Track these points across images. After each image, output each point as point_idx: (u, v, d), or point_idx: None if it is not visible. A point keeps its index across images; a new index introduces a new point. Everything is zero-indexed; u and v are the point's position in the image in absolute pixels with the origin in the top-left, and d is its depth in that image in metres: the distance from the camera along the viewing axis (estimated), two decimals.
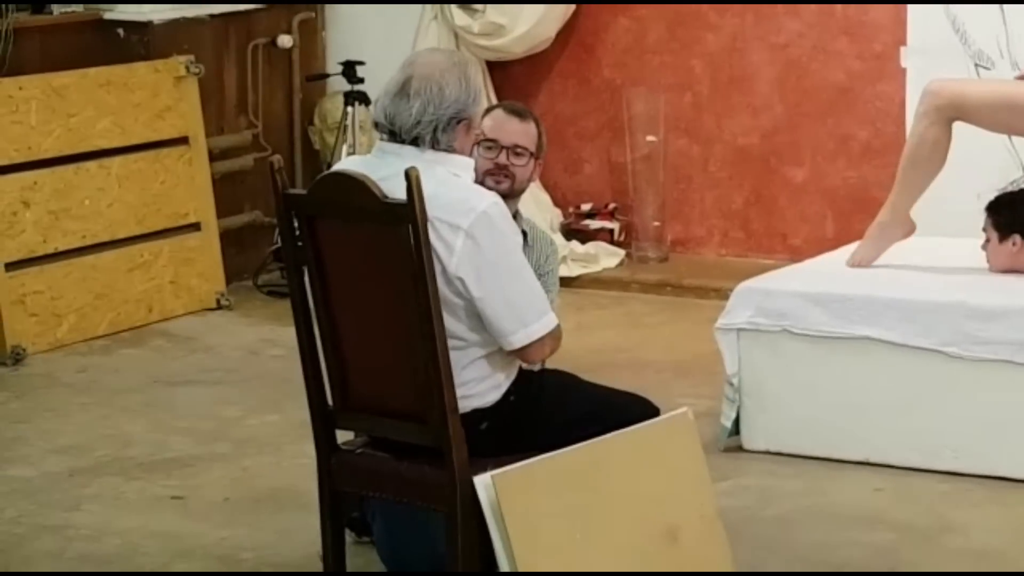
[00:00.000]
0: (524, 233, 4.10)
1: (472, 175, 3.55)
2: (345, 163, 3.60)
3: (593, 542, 3.43)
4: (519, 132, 4.21)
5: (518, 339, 3.46)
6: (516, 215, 4.15)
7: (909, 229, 4.95)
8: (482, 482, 3.36)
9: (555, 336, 3.53)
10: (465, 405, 3.47)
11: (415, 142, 3.47)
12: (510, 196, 4.14)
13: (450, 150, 3.50)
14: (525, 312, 3.45)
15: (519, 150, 4.20)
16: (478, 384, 3.50)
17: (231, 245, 6.87)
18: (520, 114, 4.25)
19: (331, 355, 3.55)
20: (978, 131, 5.68)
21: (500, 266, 3.42)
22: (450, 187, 3.44)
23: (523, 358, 3.55)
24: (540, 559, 3.36)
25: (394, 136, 3.48)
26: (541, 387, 3.62)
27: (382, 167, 3.43)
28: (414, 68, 3.50)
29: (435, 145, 3.48)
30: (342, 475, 3.60)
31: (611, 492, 3.50)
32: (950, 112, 4.73)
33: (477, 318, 3.45)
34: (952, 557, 4.14)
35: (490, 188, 3.93)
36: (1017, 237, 4.78)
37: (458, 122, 3.49)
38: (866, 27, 6.70)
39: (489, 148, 4.17)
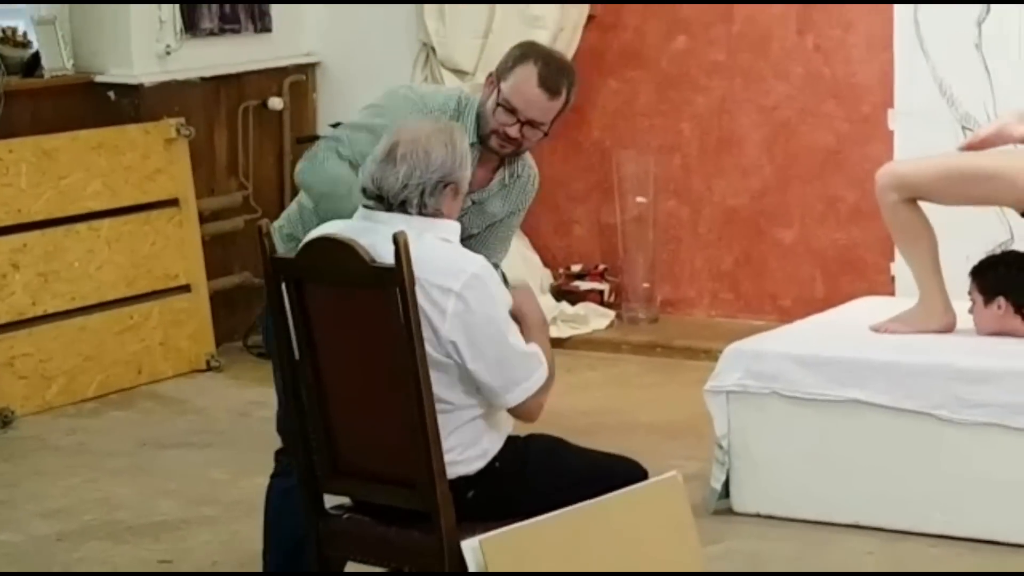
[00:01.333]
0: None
1: (455, 236, 3.54)
2: (329, 227, 3.57)
3: None
4: (544, 109, 3.86)
5: (514, 397, 3.47)
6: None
7: (948, 323, 4.86)
8: (470, 546, 3.34)
9: (547, 387, 3.55)
10: (451, 472, 3.46)
11: (403, 206, 3.48)
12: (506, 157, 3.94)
13: (437, 214, 3.51)
14: (517, 370, 3.46)
15: (536, 124, 3.88)
16: (464, 450, 3.49)
17: (221, 307, 6.87)
18: (553, 91, 3.84)
19: (318, 419, 3.54)
20: None
21: (491, 327, 3.42)
22: (440, 251, 3.45)
23: (520, 416, 3.54)
24: None
25: (381, 200, 3.49)
26: (527, 453, 3.61)
27: (368, 232, 3.44)
28: (400, 134, 3.51)
29: (423, 209, 3.49)
30: (330, 540, 3.59)
31: (600, 556, 3.48)
32: (907, 193, 4.74)
33: (467, 381, 3.45)
34: None
35: (493, 148, 3.90)
36: (1002, 300, 4.79)
37: (445, 186, 3.49)
38: (854, 89, 6.74)
39: (507, 113, 3.84)
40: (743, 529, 4.80)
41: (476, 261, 3.46)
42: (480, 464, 3.52)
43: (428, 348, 3.37)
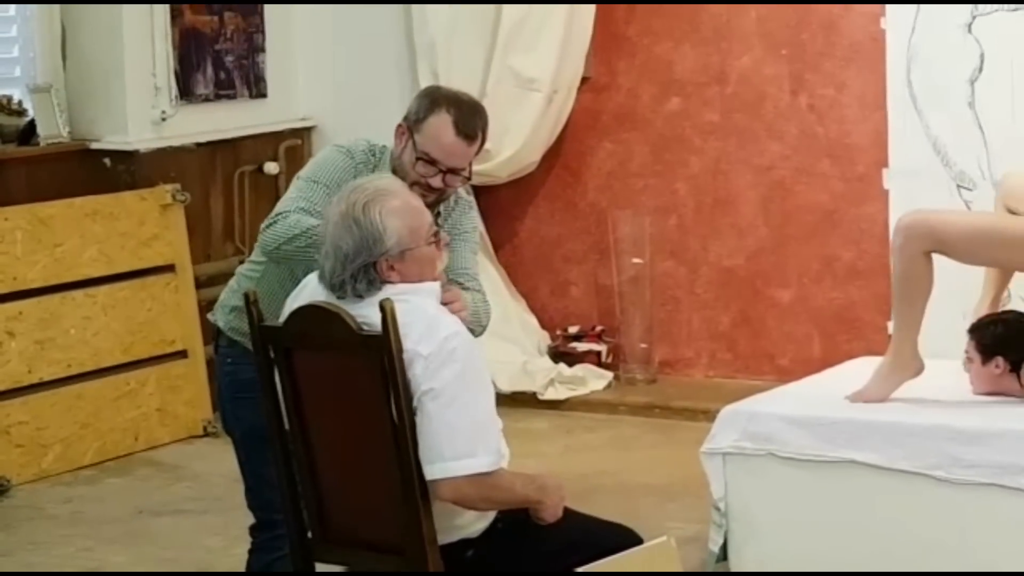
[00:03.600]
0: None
1: (430, 299, 3.46)
2: (313, 293, 3.55)
3: None
4: (464, 155, 3.81)
5: (429, 472, 3.33)
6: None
7: (917, 368, 4.82)
8: None
9: (478, 483, 3.35)
10: (450, 536, 3.44)
11: (352, 292, 3.41)
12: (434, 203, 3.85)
13: (387, 283, 3.40)
14: (447, 446, 3.32)
15: (457, 170, 3.83)
16: (465, 513, 3.47)
17: None
18: (471, 136, 3.80)
19: (309, 486, 3.53)
20: None
21: (447, 392, 3.34)
22: (413, 313, 3.38)
23: (436, 495, 3.36)
24: None
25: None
26: (527, 515, 3.59)
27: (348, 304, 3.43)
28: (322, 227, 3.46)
29: (371, 288, 3.39)
30: None
31: None
32: (927, 245, 4.71)
33: None
34: None
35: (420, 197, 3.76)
36: (1000, 359, 4.77)
37: (370, 267, 3.38)
38: (849, 149, 6.75)
39: (427, 164, 3.79)
40: None
41: (451, 326, 3.42)
42: (483, 525, 3.50)
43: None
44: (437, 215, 3.90)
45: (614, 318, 7.19)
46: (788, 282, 6.94)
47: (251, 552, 4.12)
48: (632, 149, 7.18)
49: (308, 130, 7.46)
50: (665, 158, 7.11)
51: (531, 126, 7.04)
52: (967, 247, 4.68)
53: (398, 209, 3.42)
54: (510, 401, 6.65)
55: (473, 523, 3.49)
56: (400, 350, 3.31)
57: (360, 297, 3.40)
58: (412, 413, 3.34)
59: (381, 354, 3.31)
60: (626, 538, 3.69)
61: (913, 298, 4.75)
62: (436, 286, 3.51)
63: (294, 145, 7.39)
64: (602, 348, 7.19)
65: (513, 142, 7.07)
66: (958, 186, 6.12)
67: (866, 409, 4.79)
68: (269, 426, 3.55)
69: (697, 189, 7.06)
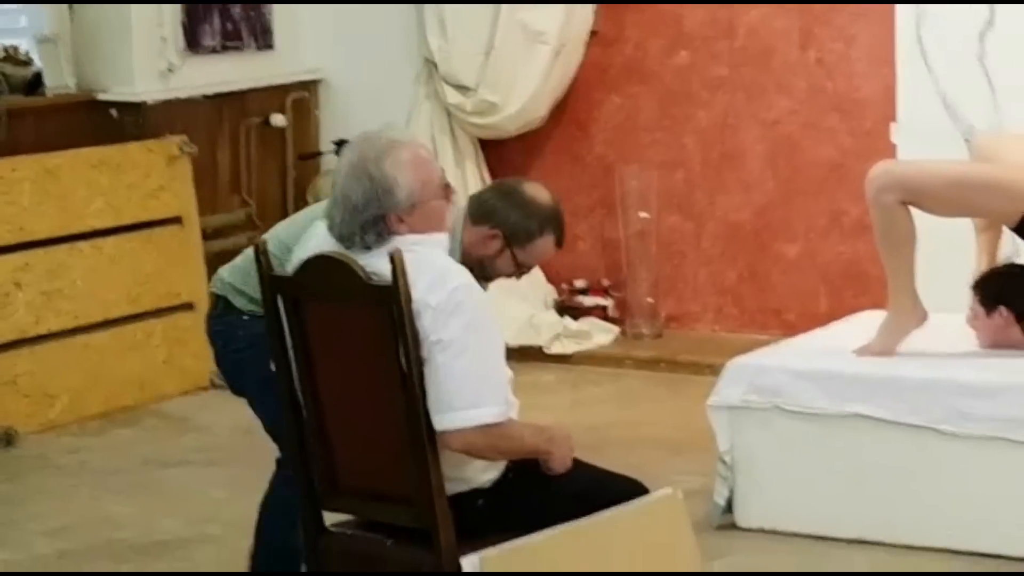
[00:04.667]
0: None
1: (439, 249, 3.46)
2: (321, 242, 3.56)
3: None
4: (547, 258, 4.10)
5: (438, 422, 3.34)
6: None
7: (921, 317, 4.83)
8: (470, 563, 3.33)
9: (487, 433, 3.35)
10: (461, 486, 3.45)
11: (360, 243, 3.42)
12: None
13: (395, 235, 3.39)
14: (456, 396, 3.32)
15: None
16: (475, 463, 3.47)
17: None
18: (563, 244, 4.05)
19: (317, 437, 3.53)
20: None
21: (456, 343, 3.33)
22: (422, 264, 3.37)
23: (445, 445, 3.36)
24: None
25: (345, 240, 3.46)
26: (537, 466, 3.59)
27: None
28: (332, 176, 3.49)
29: (380, 240, 3.39)
30: (329, 558, 3.58)
31: (599, 572, 3.47)
32: (899, 195, 4.69)
33: None
34: None
35: (487, 278, 3.95)
36: (1003, 310, 4.78)
37: (379, 220, 3.38)
38: (857, 104, 6.73)
39: (516, 267, 4.01)
40: (746, 544, 4.79)
41: (461, 275, 3.42)
42: (493, 476, 3.50)
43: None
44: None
45: (620, 272, 7.18)
46: (795, 237, 6.93)
47: (272, 483, 4.16)
48: (640, 103, 7.16)
49: (315, 83, 7.45)
50: (673, 112, 7.09)
51: (539, 80, 7.02)
52: (941, 195, 4.67)
53: (410, 162, 3.41)
54: (516, 355, 6.63)
55: (483, 473, 3.50)
56: (409, 300, 3.31)
57: (368, 248, 3.40)
58: (421, 363, 3.34)
59: (390, 304, 3.30)
60: (634, 490, 3.69)
61: (898, 248, 4.74)
62: (445, 237, 3.50)
63: (301, 98, 7.38)
64: (608, 302, 7.19)
65: (521, 96, 7.05)
66: (966, 140, 6.09)
67: (872, 363, 4.80)
68: (278, 377, 3.55)
69: (704, 143, 7.04)
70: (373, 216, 3.39)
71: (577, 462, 3.67)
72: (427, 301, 3.33)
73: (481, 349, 3.36)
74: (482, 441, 3.37)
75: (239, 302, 4.15)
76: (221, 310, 4.19)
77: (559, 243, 4.01)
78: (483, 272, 3.94)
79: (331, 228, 3.46)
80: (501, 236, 3.95)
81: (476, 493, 3.48)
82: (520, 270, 4.03)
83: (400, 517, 3.45)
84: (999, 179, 4.69)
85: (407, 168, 3.40)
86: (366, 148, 3.42)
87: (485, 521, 3.47)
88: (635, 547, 3.53)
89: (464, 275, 3.42)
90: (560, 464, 3.54)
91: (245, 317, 4.12)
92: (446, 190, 3.50)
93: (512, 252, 3.96)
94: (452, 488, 3.41)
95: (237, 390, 4.24)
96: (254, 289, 3.80)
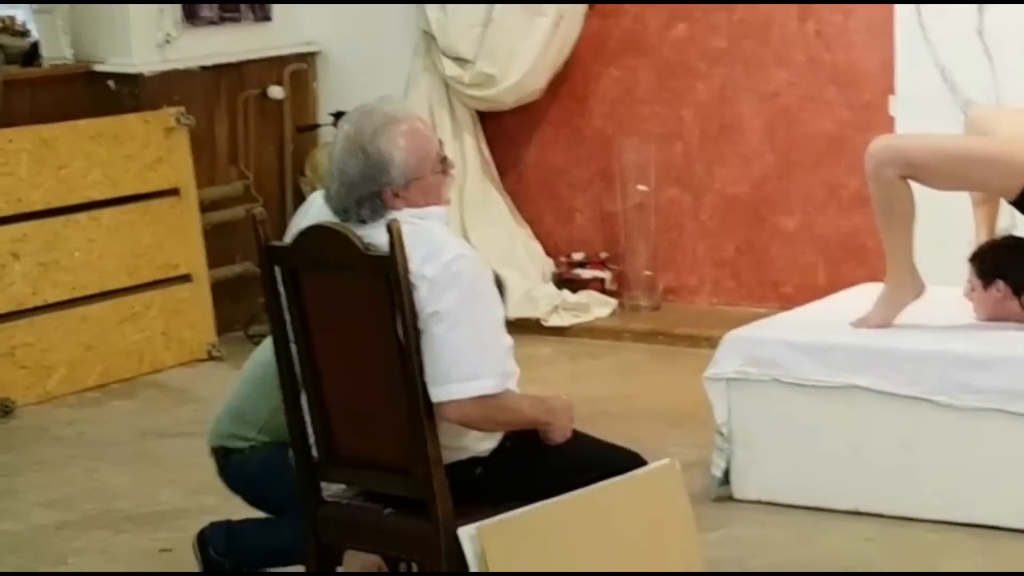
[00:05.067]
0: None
1: (438, 222, 3.46)
2: (319, 212, 3.55)
3: None
4: None
5: (435, 394, 3.33)
6: None
7: (918, 290, 4.83)
8: (467, 534, 3.34)
9: (484, 405, 3.35)
10: (460, 455, 3.45)
11: (357, 217, 3.43)
12: None
13: (391, 210, 3.41)
14: (452, 368, 3.32)
15: None
16: (471, 433, 3.47)
17: (222, 296, 6.86)
18: None
19: (315, 407, 3.54)
20: None
21: (451, 315, 3.33)
22: (419, 237, 3.37)
23: (440, 414, 3.36)
24: None
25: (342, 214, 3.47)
26: (536, 435, 3.59)
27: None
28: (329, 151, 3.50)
29: (376, 215, 3.41)
30: (327, 528, 3.59)
31: (597, 543, 3.48)
32: (903, 170, 4.69)
33: None
34: None
35: None
36: (1000, 283, 4.78)
37: (375, 195, 3.39)
38: (855, 76, 6.72)
39: None
40: (743, 515, 4.80)
41: (457, 248, 3.41)
42: (491, 444, 3.51)
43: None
44: None
45: (619, 245, 7.18)
46: (793, 210, 6.93)
47: None
48: (638, 76, 7.15)
49: (313, 55, 7.43)
50: (671, 85, 7.08)
51: (537, 52, 7.01)
52: (941, 169, 4.66)
53: (406, 137, 3.41)
54: (514, 327, 6.57)
55: (481, 442, 3.50)
56: (407, 271, 3.31)
57: (363, 222, 3.40)
58: (418, 334, 3.34)
59: (387, 275, 3.31)
60: (633, 461, 3.70)
61: (897, 221, 4.74)
62: (444, 210, 3.50)
63: (299, 70, 7.36)
64: (606, 275, 7.19)
65: (519, 68, 7.03)
66: (965, 113, 6.08)
67: (869, 335, 4.81)
68: (276, 348, 3.55)
69: (703, 116, 7.03)
70: (369, 192, 3.40)
71: (576, 433, 3.67)
72: (423, 273, 3.33)
73: (477, 321, 3.36)
74: (478, 413, 3.37)
75: (238, 444, 4.18)
76: (223, 461, 4.24)
77: None
78: None
79: (327, 200, 3.46)
80: None
81: (474, 461, 3.49)
82: None
83: (397, 487, 3.46)
84: (999, 153, 4.69)
85: (403, 144, 3.40)
86: (363, 123, 3.42)
87: (482, 489, 3.48)
88: (632, 518, 3.54)
89: (461, 246, 3.42)
90: (560, 434, 3.54)
91: (246, 450, 4.15)
92: (443, 163, 3.50)
93: None
94: (449, 457, 3.42)
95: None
96: (252, 416, 3.96)
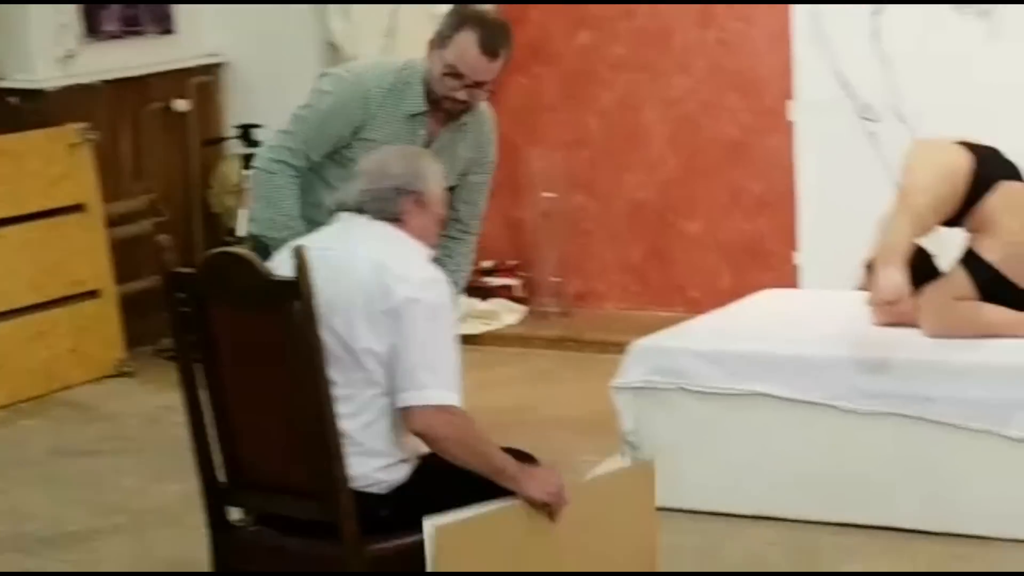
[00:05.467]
0: None
1: (419, 253, 3.56)
2: (310, 237, 3.64)
3: None
4: (487, 71, 4.17)
5: (408, 397, 3.42)
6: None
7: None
8: (427, 531, 3.35)
9: (447, 413, 3.42)
10: (366, 484, 3.46)
11: (361, 212, 3.52)
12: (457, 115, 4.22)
13: (397, 221, 3.53)
14: (428, 376, 3.41)
15: (481, 84, 4.19)
16: (380, 461, 3.48)
17: (131, 311, 6.83)
18: (494, 53, 4.14)
19: (222, 430, 3.55)
20: (868, 186, 5.81)
21: (427, 332, 3.41)
22: (393, 257, 3.46)
23: (407, 424, 3.44)
24: None
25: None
26: (440, 460, 3.58)
27: (334, 238, 3.54)
28: (364, 161, 3.67)
29: (382, 215, 3.53)
30: (233, 554, 3.60)
31: (554, 543, 3.51)
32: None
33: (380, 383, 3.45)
34: None
35: (447, 110, 4.19)
36: None
37: (400, 194, 3.54)
38: (755, 82, 6.80)
39: (454, 78, 4.14)
40: None
41: (427, 270, 3.49)
42: (398, 477, 3.50)
43: (364, 331, 3.37)
44: (455, 134, 4.26)
45: (527, 252, 7.23)
46: (697, 215, 7.00)
47: None
48: (543, 83, 7.20)
49: (217, 66, 7.41)
50: (576, 93, 7.13)
51: None
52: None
53: (438, 175, 3.66)
54: None
55: (388, 473, 3.49)
56: (311, 296, 3.33)
57: (382, 216, 3.51)
58: (324, 358, 3.36)
59: (294, 299, 3.32)
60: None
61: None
62: (428, 253, 3.61)
63: (204, 82, 7.34)
64: (515, 282, 7.23)
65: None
66: (862, 118, 6.19)
67: (772, 342, 4.88)
68: (180, 374, 3.56)
69: (608, 123, 7.09)
70: (397, 186, 3.54)
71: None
72: (397, 292, 3.38)
73: (445, 342, 3.46)
74: (445, 427, 3.41)
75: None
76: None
77: (485, 47, 4.10)
78: (436, 100, 4.13)
79: (344, 196, 3.58)
80: (435, 42, 4.16)
81: (378, 501, 3.48)
82: (453, 82, 4.09)
83: (305, 511, 3.48)
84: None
85: (437, 178, 3.65)
86: (409, 148, 3.81)
87: (391, 526, 3.49)
88: (600, 518, 3.58)
89: (432, 271, 3.50)
90: (538, 490, 3.52)
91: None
92: (443, 218, 3.69)
93: (442, 57, 4.11)
94: (356, 486, 3.43)
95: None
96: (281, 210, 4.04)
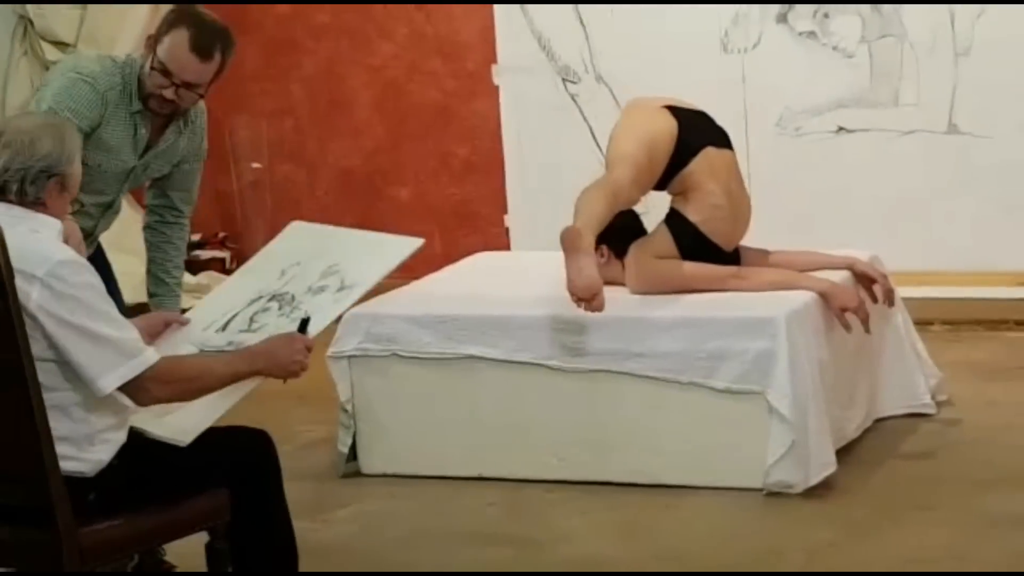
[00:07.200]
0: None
1: (58, 236, 3.48)
2: None
3: None
4: (198, 72, 4.06)
5: (106, 383, 3.37)
6: None
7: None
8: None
9: (157, 377, 3.41)
10: (75, 465, 3.39)
11: (2, 192, 3.41)
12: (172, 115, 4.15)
13: (38, 205, 3.44)
14: (109, 356, 3.37)
15: (191, 86, 4.09)
16: (83, 443, 3.42)
17: None
18: (206, 55, 4.04)
19: None
20: (573, 147, 5.90)
21: (79, 311, 3.35)
22: (28, 241, 3.37)
23: (134, 401, 3.44)
24: None
25: None
26: (150, 442, 3.54)
27: None
28: (8, 124, 3.49)
29: (23, 197, 3.42)
30: None
31: None
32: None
33: (69, 371, 3.38)
34: (566, 566, 4.26)
35: (153, 109, 4.10)
36: (604, 248, 4.96)
37: (48, 177, 3.44)
38: (458, 47, 6.85)
39: (162, 75, 4.03)
40: (372, 490, 4.86)
41: (65, 251, 3.40)
42: (103, 457, 3.44)
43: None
44: (177, 130, 4.21)
45: (236, 224, 7.16)
46: (406, 180, 7.03)
47: None
48: (245, 53, 7.07)
49: None
50: (278, 61, 7.08)
51: (139, 33, 6.89)
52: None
53: (79, 151, 3.52)
54: (133, 313, 6.52)
55: (89, 452, 3.43)
56: (11, 274, 3.24)
57: (22, 198, 3.40)
58: (27, 340, 3.28)
59: None
60: (261, 440, 3.70)
61: None
62: (60, 224, 3.49)
63: None
64: (225, 255, 7.16)
65: (122, 50, 6.90)
66: (563, 79, 6.29)
67: (482, 304, 4.94)
68: None
69: (312, 91, 7.06)
70: (42, 171, 3.41)
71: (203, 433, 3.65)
72: (36, 276, 3.29)
73: (108, 304, 3.38)
74: (159, 391, 3.39)
75: None
76: None
77: (196, 46, 4.01)
78: (147, 100, 4.06)
79: None
80: (152, 39, 4.06)
81: (86, 484, 3.42)
82: (164, 81, 4.01)
83: (13, 497, 3.38)
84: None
85: (78, 155, 3.51)
86: (55, 119, 3.61)
87: (101, 509, 3.43)
88: None
89: (67, 252, 3.38)
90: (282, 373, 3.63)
91: None
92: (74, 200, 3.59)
93: (155, 53, 4.02)
94: (65, 467, 3.37)
95: None
96: None
